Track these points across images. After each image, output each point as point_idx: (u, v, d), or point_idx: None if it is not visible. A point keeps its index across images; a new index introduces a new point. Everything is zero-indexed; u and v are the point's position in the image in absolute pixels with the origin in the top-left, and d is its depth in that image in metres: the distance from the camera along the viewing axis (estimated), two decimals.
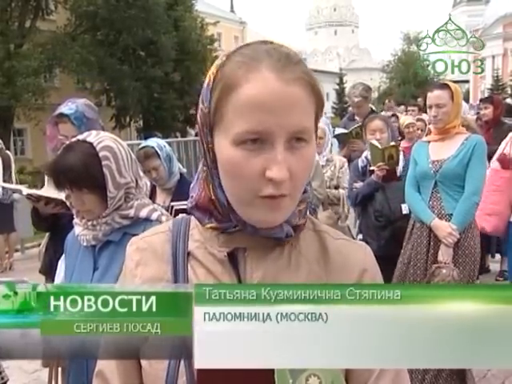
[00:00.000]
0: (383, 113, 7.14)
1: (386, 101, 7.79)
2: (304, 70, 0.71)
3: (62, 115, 2.37)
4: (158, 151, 2.74)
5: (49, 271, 2.28)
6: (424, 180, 2.92)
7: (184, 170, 3.06)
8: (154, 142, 2.83)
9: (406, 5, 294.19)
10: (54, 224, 2.39)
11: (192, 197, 0.80)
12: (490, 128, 5.17)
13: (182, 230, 0.82)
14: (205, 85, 0.74)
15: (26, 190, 2.34)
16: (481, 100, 5.98)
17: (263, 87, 0.67)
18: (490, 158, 4.16)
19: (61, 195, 2.26)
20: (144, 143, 2.93)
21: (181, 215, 0.86)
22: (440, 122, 2.84)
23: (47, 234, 2.67)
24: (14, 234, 6.76)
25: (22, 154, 21.76)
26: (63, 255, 2.15)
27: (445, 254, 2.76)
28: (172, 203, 2.50)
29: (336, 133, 4.69)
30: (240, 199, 0.72)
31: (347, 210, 3.78)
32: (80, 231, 1.60)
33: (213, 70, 0.73)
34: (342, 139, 4.48)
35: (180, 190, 2.77)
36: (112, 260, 1.54)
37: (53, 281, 2.09)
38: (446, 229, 2.75)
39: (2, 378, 2.58)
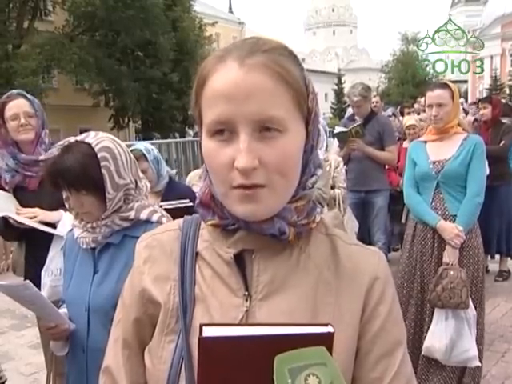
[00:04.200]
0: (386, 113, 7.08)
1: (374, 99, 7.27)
2: (272, 58, 0.68)
3: (11, 94, 2.39)
4: (146, 154, 2.74)
5: (33, 282, 2.25)
6: (425, 181, 2.88)
7: (173, 173, 3.05)
8: (142, 145, 2.83)
9: (403, 5, 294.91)
10: (24, 232, 2.33)
11: (198, 194, 0.80)
12: (489, 128, 5.17)
13: (192, 229, 0.81)
14: None
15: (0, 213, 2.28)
16: (479, 100, 5.97)
17: (225, 76, 0.68)
18: (487, 158, 4.16)
19: (32, 222, 2.23)
20: (132, 146, 2.94)
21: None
22: (440, 122, 2.82)
23: (17, 245, 2.61)
24: None
25: None
26: (45, 265, 2.14)
27: (451, 256, 2.73)
28: (161, 203, 2.50)
29: (335, 131, 4.68)
30: (219, 191, 0.72)
31: (343, 210, 3.76)
32: (79, 233, 1.58)
33: None
34: (342, 138, 4.46)
35: (169, 193, 2.77)
36: (112, 263, 1.52)
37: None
38: (452, 230, 2.72)
39: (1, 378, 2.57)
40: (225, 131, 0.67)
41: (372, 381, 0.74)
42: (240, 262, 0.75)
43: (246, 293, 0.73)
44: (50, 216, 2.27)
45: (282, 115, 0.68)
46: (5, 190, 2.43)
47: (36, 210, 2.28)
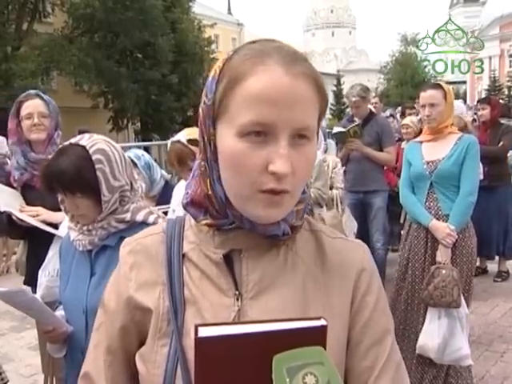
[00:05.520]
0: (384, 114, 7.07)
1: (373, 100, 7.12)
2: (311, 68, 0.71)
3: (29, 94, 2.45)
4: (136, 160, 2.74)
5: (33, 281, 2.24)
6: (419, 181, 2.91)
7: (168, 177, 3.05)
8: (131, 153, 2.84)
9: (402, 6, 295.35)
10: (28, 230, 2.35)
11: (187, 193, 0.79)
12: (488, 129, 5.19)
13: (177, 231, 0.80)
14: (210, 78, 0.73)
15: (3, 208, 2.30)
16: (478, 101, 5.99)
17: (270, 80, 0.67)
18: (486, 158, 4.17)
19: (32, 220, 2.24)
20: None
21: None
22: (433, 122, 2.85)
23: (22, 243, 2.63)
24: None
25: None
26: (43, 264, 2.14)
27: (444, 255, 2.76)
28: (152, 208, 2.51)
29: (334, 132, 4.69)
30: (240, 193, 0.70)
31: (341, 210, 3.78)
32: (75, 236, 1.58)
33: (219, 63, 0.73)
34: (340, 138, 4.48)
35: (164, 197, 2.76)
36: (109, 265, 1.51)
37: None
38: (444, 230, 2.75)
39: (2, 379, 2.57)
40: (261, 133, 0.67)
41: (364, 369, 0.75)
42: (228, 262, 0.75)
43: (237, 292, 0.74)
44: (54, 216, 2.28)
45: (313, 124, 0.71)
46: (13, 188, 2.45)
47: (39, 209, 2.30)
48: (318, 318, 0.63)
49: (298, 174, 0.69)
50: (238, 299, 0.73)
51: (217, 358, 0.60)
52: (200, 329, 0.60)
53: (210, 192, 0.74)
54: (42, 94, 2.47)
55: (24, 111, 2.39)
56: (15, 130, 2.42)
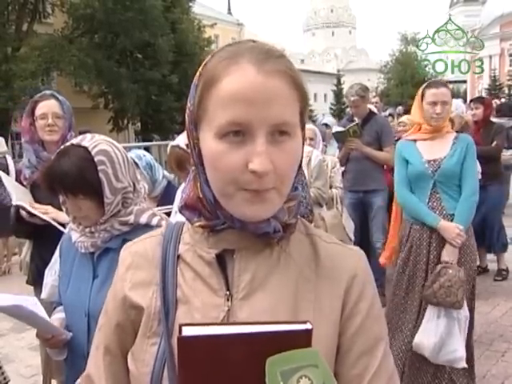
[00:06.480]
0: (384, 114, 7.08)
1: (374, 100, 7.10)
2: (286, 64, 0.71)
3: (44, 94, 2.47)
4: (137, 161, 2.73)
5: (37, 281, 2.24)
6: (421, 181, 2.85)
7: (171, 177, 3.03)
8: (133, 153, 2.83)
9: (402, 5, 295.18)
10: (35, 230, 2.36)
11: (182, 197, 0.80)
12: (480, 128, 5.19)
13: (174, 234, 0.82)
14: (192, 84, 0.75)
15: (15, 201, 2.32)
16: (472, 100, 6.00)
17: (243, 79, 0.67)
18: (479, 157, 4.16)
19: (43, 216, 2.25)
20: None
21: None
22: (441, 120, 2.82)
23: (27, 243, 2.64)
24: (12, 238, 6.71)
25: (19, 158, 21.66)
26: (50, 264, 2.14)
27: (451, 255, 2.73)
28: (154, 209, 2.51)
29: (333, 131, 4.70)
30: (223, 193, 0.71)
31: (341, 209, 3.78)
32: (77, 238, 1.56)
33: (200, 68, 0.74)
34: (340, 138, 4.48)
35: (166, 198, 2.74)
36: (112, 268, 1.47)
37: (41, 291, 2.07)
38: (454, 230, 2.72)
39: (5, 379, 2.57)
40: (239, 133, 0.67)
41: (353, 378, 0.74)
42: (221, 262, 0.76)
43: (228, 292, 0.74)
44: (62, 216, 2.29)
45: (293, 120, 0.71)
46: (23, 186, 2.47)
47: (48, 208, 2.31)
48: (304, 322, 0.62)
49: (280, 170, 0.69)
50: (228, 299, 0.74)
51: (200, 358, 0.60)
52: (184, 328, 0.60)
53: (200, 195, 0.76)
54: (57, 95, 2.49)
55: (39, 111, 2.40)
56: (28, 129, 2.44)
